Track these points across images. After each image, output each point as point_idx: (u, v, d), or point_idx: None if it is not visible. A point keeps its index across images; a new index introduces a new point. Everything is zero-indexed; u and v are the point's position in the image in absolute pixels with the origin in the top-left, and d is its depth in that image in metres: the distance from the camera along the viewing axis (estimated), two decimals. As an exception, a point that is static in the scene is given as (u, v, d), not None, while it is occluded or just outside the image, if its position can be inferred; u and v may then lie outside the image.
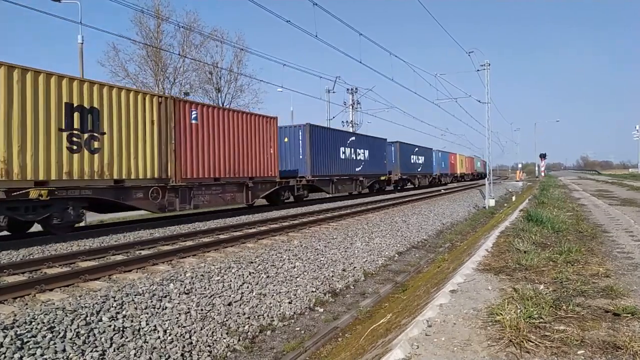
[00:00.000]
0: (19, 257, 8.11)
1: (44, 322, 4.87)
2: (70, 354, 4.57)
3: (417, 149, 38.60)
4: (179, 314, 5.85)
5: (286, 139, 20.78)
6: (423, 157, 40.39)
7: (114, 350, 4.84)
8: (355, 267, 9.69)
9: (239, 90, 35.25)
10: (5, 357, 4.26)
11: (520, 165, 78.21)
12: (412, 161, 37.18)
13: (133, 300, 5.80)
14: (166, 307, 5.90)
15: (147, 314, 5.62)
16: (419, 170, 38.91)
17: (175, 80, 31.68)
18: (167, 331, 5.45)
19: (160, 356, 5.03)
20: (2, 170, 8.87)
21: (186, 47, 32.07)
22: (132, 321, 5.39)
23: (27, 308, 5.34)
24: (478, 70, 26.27)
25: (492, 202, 24.07)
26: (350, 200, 23.16)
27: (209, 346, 5.52)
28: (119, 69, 29.80)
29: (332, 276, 8.80)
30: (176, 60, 31.43)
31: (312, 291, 7.87)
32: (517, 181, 58.68)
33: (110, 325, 5.17)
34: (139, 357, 4.89)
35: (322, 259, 9.43)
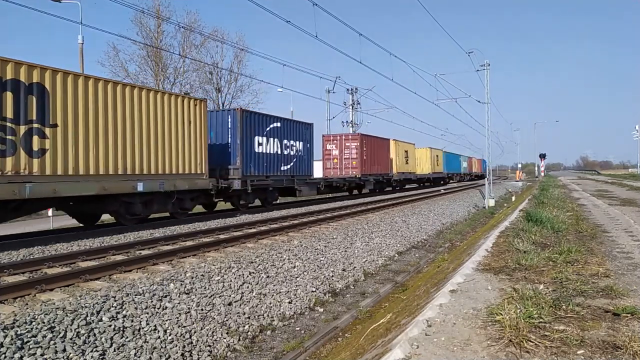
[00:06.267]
0: (19, 257, 8.10)
1: (44, 322, 4.88)
2: (70, 353, 4.58)
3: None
4: (179, 313, 5.86)
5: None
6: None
7: (114, 350, 4.85)
8: (355, 267, 9.70)
9: (239, 91, 35.39)
10: (5, 357, 4.27)
11: (520, 165, 78.28)
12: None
13: (133, 300, 5.80)
14: (166, 307, 5.90)
15: (148, 313, 5.63)
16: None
17: (176, 81, 31.75)
18: (168, 331, 5.46)
19: (161, 356, 5.03)
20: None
21: (186, 47, 32.18)
22: (132, 321, 5.39)
23: (27, 308, 5.34)
24: (478, 70, 26.30)
25: (491, 202, 24.07)
26: (351, 200, 23.16)
27: (209, 346, 5.53)
28: (119, 69, 29.87)
29: (332, 276, 8.80)
30: (176, 61, 31.52)
31: (312, 291, 7.87)
32: (517, 181, 58.70)
33: (110, 325, 5.17)
34: (139, 357, 4.89)
35: (322, 258, 9.44)
